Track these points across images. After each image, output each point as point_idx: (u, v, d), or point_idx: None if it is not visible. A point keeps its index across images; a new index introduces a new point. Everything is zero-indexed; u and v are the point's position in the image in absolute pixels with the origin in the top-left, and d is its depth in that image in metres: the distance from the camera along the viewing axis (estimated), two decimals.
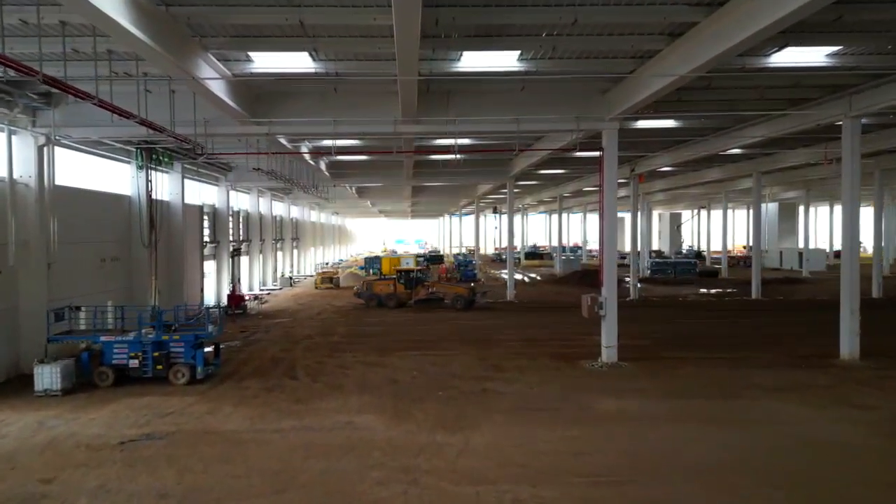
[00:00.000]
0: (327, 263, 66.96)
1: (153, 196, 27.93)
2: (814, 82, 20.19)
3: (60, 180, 21.59)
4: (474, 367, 20.79)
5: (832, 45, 16.29)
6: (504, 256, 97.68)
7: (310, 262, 70.26)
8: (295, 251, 65.08)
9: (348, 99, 19.92)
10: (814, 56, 17.07)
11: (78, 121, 19.53)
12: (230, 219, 42.60)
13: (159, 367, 18.44)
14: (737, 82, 19.78)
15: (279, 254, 57.46)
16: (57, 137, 20.17)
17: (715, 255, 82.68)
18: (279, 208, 58.70)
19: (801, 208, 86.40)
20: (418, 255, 79.08)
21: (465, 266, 59.32)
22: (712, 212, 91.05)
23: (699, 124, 27.22)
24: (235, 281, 42.86)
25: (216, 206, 39.46)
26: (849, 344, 20.84)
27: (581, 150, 21.28)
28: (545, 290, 47.63)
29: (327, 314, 34.56)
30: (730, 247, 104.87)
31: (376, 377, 19.35)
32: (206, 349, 19.78)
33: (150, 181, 27.84)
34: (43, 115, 19.90)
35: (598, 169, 20.95)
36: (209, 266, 38.60)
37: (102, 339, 18.68)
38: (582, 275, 54.50)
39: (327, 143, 27.23)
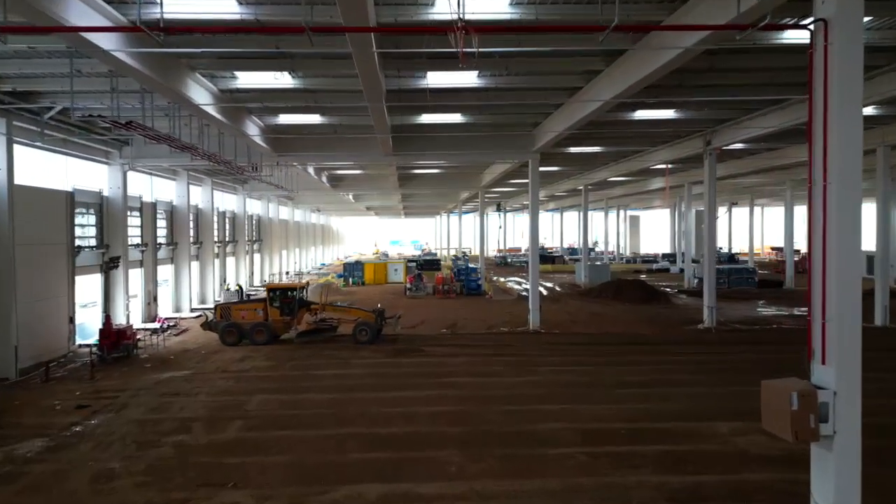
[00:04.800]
0: (287, 272, 53.12)
1: None
2: None
3: None
4: None
5: None
6: (509, 259, 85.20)
7: (278, 269, 57.56)
8: (257, 256, 52.66)
9: None
10: None
11: None
12: (138, 214, 30.24)
13: None
14: None
15: (230, 260, 45.05)
16: None
17: (751, 258, 70.12)
18: (232, 202, 46.34)
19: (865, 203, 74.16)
20: (410, 260, 66.67)
21: (467, 273, 46.57)
22: (735, 209, 79.79)
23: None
24: (142, 305, 30.49)
25: (105, 194, 27.08)
26: None
27: (766, 30, 9.00)
28: (575, 310, 35.23)
29: (255, 360, 22.14)
30: (756, 248, 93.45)
31: None
32: None
33: None
34: None
35: (807, 81, 8.56)
36: (90, 282, 26.15)
37: None
38: (617, 288, 42.07)
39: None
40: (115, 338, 21.84)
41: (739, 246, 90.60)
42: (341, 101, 20.31)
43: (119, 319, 26.63)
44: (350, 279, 52.94)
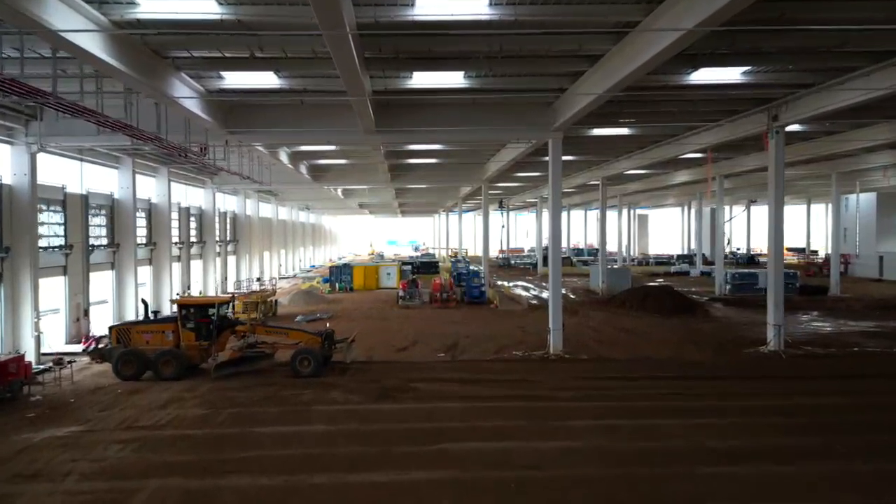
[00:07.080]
0: (259, 279, 46.29)
1: None
2: None
3: None
4: None
5: None
6: (513, 261, 78.86)
7: (258, 272, 51.42)
8: (232, 258, 46.67)
9: None
10: None
11: None
12: (60, 208, 24.34)
13: None
14: None
15: (196, 263, 39.11)
16: None
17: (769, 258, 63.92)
18: (199, 197, 40.42)
19: None
20: (404, 262, 60.75)
21: (469, 277, 40.60)
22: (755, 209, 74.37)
23: None
24: (67, 322, 24.55)
25: (7, 182, 21.14)
26: None
27: None
28: (599, 325, 29.32)
29: (183, 406, 16.17)
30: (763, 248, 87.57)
31: None
32: None
33: None
34: None
35: None
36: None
37: None
38: (644, 296, 36.16)
39: None
40: None
41: (753, 247, 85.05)
42: (295, 46, 14.41)
43: (25, 343, 20.77)
44: (336, 285, 46.99)
